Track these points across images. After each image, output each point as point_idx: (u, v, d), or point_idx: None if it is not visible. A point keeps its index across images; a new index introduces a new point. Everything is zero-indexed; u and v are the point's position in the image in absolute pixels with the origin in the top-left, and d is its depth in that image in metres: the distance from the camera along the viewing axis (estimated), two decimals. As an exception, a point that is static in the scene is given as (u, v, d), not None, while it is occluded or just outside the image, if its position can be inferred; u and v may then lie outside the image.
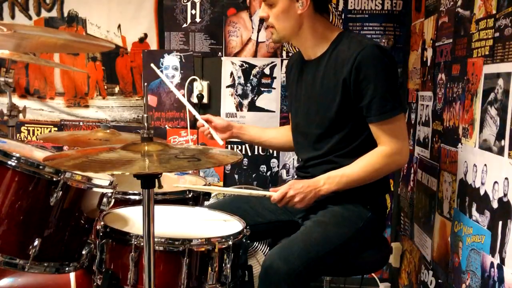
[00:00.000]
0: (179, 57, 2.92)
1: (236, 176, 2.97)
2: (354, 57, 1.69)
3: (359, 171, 1.73)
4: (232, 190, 1.94)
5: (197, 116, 2.03)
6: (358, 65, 1.69)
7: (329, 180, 1.74)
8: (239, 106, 2.93)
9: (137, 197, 1.93)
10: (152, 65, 1.94)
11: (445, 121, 2.03)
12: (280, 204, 1.74)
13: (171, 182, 2.29)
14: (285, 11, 1.77)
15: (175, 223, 1.75)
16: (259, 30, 2.87)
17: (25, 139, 3.06)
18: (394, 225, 2.88)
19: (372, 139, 1.76)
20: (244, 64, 2.90)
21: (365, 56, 1.69)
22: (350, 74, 1.70)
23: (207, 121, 2.03)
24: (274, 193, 1.73)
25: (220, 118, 2.12)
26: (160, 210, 1.79)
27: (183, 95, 2.92)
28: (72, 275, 1.79)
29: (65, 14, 2.96)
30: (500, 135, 1.50)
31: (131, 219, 1.71)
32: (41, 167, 1.46)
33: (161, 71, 2.93)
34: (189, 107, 2.06)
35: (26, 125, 3.06)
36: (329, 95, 1.78)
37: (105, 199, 1.63)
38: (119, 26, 2.94)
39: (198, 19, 2.90)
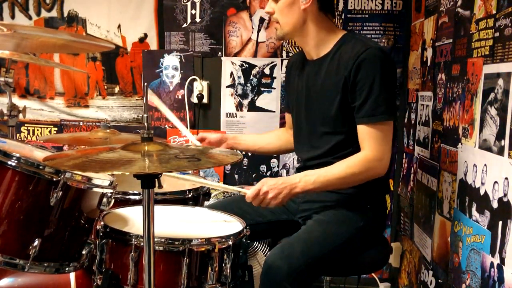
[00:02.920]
0: (179, 57, 2.92)
1: (236, 176, 2.97)
2: (356, 57, 1.70)
3: (337, 173, 1.71)
4: (208, 183, 1.94)
5: (191, 138, 2.05)
6: (358, 64, 1.69)
7: (305, 178, 1.71)
8: (239, 106, 2.93)
9: (137, 197, 1.93)
10: (150, 93, 1.93)
11: (445, 121, 2.03)
12: (255, 203, 1.69)
13: (171, 182, 2.29)
14: (289, 5, 1.79)
15: (175, 223, 1.75)
16: (259, 30, 2.87)
17: (25, 139, 3.06)
18: (394, 225, 2.88)
19: None
20: (244, 64, 2.90)
21: (367, 57, 1.69)
22: (350, 72, 1.71)
23: (201, 140, 2.04)
24: (248, 191, 1.70)
25: (213, 134, 2.12)
26: (160, 210, 1.80)
27: (183, 95, 2.93)
28: (72, 275, 1.79)
29: (65, 14, 2.96)
30: (500, 135, 1.50)
31: (131, 219, 1.71)
32: (41, 167, 1.46)
33: (161, 71, 2.94)
34: (184, 131, 2.10)
35: (26, 125, 3.06)
36: (331, 95, 1.78)
37: (105, 199, 1.63)
38: (119, 26, 2.94)
39: (198, 19, 2.90)
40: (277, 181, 1.69)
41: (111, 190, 1.63)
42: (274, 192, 1.67)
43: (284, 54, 2.88)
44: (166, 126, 2.98)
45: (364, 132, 1.72)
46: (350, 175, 1.71)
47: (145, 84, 1.37)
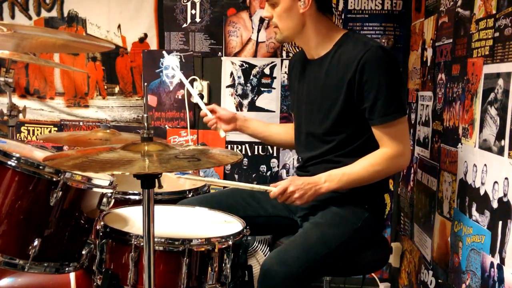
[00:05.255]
0: (179, 57, 2.93)
1: (236, 176, 2.97)
2: (359, 58, 1.69)
3: (361, 170, 1.73)
4: (234, 183, 1.95)
5: (202, 106, 2.04)
6: (362, 66, 1.68)
7: (330, 178, 1.73)
8: (239, 106, 2.93)
9: (137, 197, 1.93)
10: (170, 64, 1.93)
11: (445, 121, 2.03)
12: (280, 199, 1.72)
13: (171, 182, 2.29)
14: (288, 10, 1.78)
15: (175, 223, 1.75)
16: (259, 30, 2.87)
17: (25, 139, 3.06)
18: (394, 225, 2.88)
19: (373, 140, 1.75)
20: (244, 64, 2.90)
21: (370, 58, 1.68)
22: (355, 74, 1.70)
23: (212, 111, 2.04)
24: (274, 188, 1.72)
25: (225, 109, 2.12)
26: (160, 210, 1.80)
27: (183, 95, 2.93)
28: (72, 275, 1.79)
29: (65, 14, 2.96)
30: (500, 135, 1.50)
31: (131, 219, 1.71)
32: (41, 167, 1.47)
33: (161, 71, 2.94)
34: (197, 99, 2.09)
35: (26, 125, 3.06)
36: (332, 95, 1.77)
37: (105, 199, 1.63)
38: (119, 26, 2.94)
39: (198, 19, 2.90)
40: (303, 181, 1.72)
41: (111, 190, 1.63)
42: (300, 192, 1.70)
43: (284, 54, 2.88)
44: (166, 126, 2.98)
45: (381, 133, 1.73)
46: (374, 172, 1.73)
47: (145, 84, 1.37)
